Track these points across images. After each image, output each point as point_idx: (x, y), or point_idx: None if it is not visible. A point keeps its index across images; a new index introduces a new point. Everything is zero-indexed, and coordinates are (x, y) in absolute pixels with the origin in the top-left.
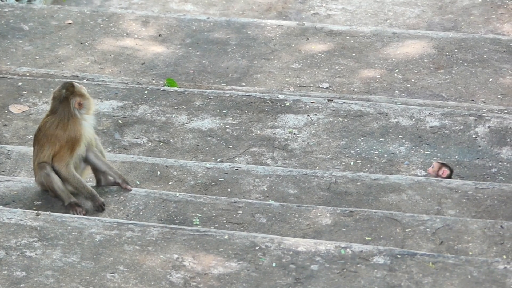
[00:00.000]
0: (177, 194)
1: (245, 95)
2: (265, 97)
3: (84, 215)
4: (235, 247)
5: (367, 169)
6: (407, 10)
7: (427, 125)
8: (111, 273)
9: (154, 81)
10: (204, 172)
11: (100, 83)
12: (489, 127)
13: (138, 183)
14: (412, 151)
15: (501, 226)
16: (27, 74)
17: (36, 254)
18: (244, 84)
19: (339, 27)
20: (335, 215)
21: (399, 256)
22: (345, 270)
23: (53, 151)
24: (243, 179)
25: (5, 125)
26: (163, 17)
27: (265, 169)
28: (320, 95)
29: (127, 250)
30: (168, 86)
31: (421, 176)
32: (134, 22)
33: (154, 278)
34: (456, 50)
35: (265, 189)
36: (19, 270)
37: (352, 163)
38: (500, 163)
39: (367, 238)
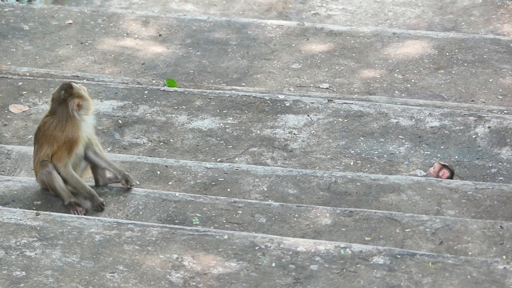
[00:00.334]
0: (177, 194)
1: (245, 95)
2: (265, 97)
3: (84, 214)
4: (234, 247)
5: (367, 169)
6: (407, 10)
7: (427, 126)
8: (110, 273)
9: (154, 81)
10: (204, 172)
11: (100, 83)
12: (489, 127)
13: (138, 183)
14: (412, 152)
15: (500, 226)
16: (27, 74)
17: (35, 254)
18: (244, 84)
19: (339, 27)
20: (334, 215)
21: (398, 256)
22: (344, 270)
23: (51, 151)
24: (243, 179)
25: (5, 125)
26: (163, 17)
27: (265, 169)
28: (320, 95)
29: (127, 250)
30: (168, 86)
31: (421, 176)
32: (134, 22)
33: (153, 278)
34: (456, 50)
35: (265, 189)
36: (19, 269)
37: (352, 163)
38: (500, 163)
39: (366, 238)
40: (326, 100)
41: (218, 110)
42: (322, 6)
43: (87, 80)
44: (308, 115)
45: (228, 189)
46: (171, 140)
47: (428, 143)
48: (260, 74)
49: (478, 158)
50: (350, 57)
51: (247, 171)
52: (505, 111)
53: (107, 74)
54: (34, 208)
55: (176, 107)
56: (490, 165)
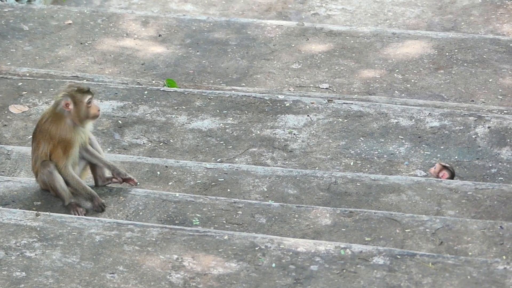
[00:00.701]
0: (177, 194)
1: (245, 95)
2: (265, 98)
3: (84, 215)
4: (234, 247)
5: (367, 170)
6: (407, 10)
7: (427, 126)
8: (110, 274)
9: (154, 82)
10: (204, 173)
11: (100, 83)
12: (489, 127)
13: (138, 183)
14: (412, 152)
15: (500, 226)
16: (27, 74)
17: (35, 255)
18: (244, 84)
19: (339, 28)
20: (334, 215)
21: (398, 257)
22: (344, 271)
23: (48, 149)
24: (243, 180)
25: (5, 125)
26: (163, 17)
27: (265, 169)
28: (320, 96)
29: (127, 251)
30: (168, 87)
31: (421, 176)
32: (134, 22)
33: (153, 279)
34: (456, 50)
35: (265, 189)
36: (19, 270)
37: (352, 163)
38: (500, 163)
39: (366, 239)
40: (326, 100)
41: (218, 111)
42: (322, 6)
43: (86, 80)
44: (308, 115)
45: (228, 190)
46: (171, 141)
47: (428, 143)
48: (260, 74)
49: (478, 158)
50: (350, 57)
51: (247, 171)
52: (505, 111)
53: (107, 75)
54: (34, 208)
55: (176, 108)
56: (490, 165)
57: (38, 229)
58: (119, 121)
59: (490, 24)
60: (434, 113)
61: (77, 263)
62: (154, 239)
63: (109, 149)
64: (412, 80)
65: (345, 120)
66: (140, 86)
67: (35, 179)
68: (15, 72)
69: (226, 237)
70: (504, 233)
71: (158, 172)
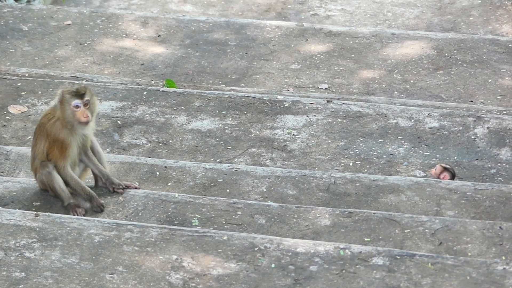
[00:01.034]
0: (176, 195)
1: (244, 96)
2: (264, 98)
3: (84, 215)
4: (234, 248)
5: (366, 170)
6: (406, 11)
7: (426, 126)
8: (110, 274)
9: (153, 82)
10: (203, 173)
11: (99, 83)
12: (488, 128)
13: (137, 184)
14: (411, 152)
15: (500, 227)
16: (26, 74)
17: (35, 255)
18: (243, 85)
19: (338, 28)
20: (334, 216)
21: (398, 257)
22: (344, 271)
23: (45, 147)
24: (242, 180)
25: (4, 125)
26: (162, 17)
27: (264, 170)
28: (319, 96)
29: (126, 251)
30: (167, 87)
31: (420, 177)
32: (133, 22)
33: (153, 279)
34: (455, 51)
35: (264, 190)
36: (18, 271)
37: (351, 164)
38: (499, 164)
39: (366, 239)
40: (325, 101)
41: (217, 111)
42: (321, 7)
43: (86, 80)
44: (307, 116)
45: (228, 190)
46: (170, 141)
47: (427, 144)
48: (259, 75)
49: (477, 159)
50: (349, 58)
51: (246, 172)
52: (504, 112)
53: (106, 75)
54: (33, 209)
55: (175, 108)
56: (489, 165)
57: (37, 229)
58: (118, 122)
59: (489, 24)
60: (433, 114)
61: (76, 264)
62: (153, 240)
63: (108, 150)
64: (412, 81)
65: (344, 121)
66: (139, 87)
67: (34, 179)
68: (14, 73)
69: (225, 238)
70: (504, 234)
71: (158, 173)
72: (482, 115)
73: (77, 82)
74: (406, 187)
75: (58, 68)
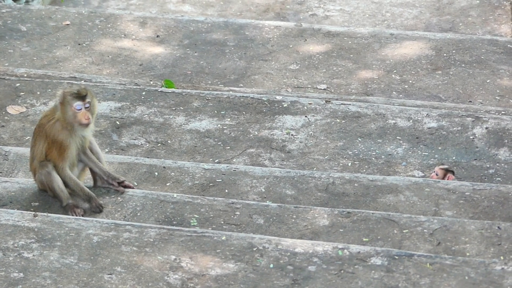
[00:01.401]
0: (175, 195)
1: (242, 96)
2: (263, 98)
3: (82, 216)
4: (232, 248)
5: (364, 170)
6: (405, 11)
7: (424, 126)
8: (108, 274)
9: (152, 82)
10: (202, 173)
11: (98, 84)
12: (486, 128)
13: (136, 184)
14: (410, 152)
15: (498, 227)
16: (25, 75)
17: (33, 255)
18: (241, 85)
19: (337, 28)
20: (332, 216)
21: (396, 257)
22: (342, 271)
23: (44, 148)
24: (240, 180)
25: (3, 126)
26: (161, 18)
27: (263, 170)
28: (318, 96)
29: (125, 251)
30: (166, 87)
31: (419, 177)
32: (132, 23)
33: (151, 279)
34: (453, 51)
35: (263, 190)
36: (17, 271)
37: (349, 164)
38: (497, 164)
39: (364, 239)
40: (324, 101)
41: (215, 111)
42: (320, 7)
43: (84, 81)
44: (305, 116)
45: (226, 190)
46: (169, 141)
47: (425, 144)
48: (257, 75)
49: (475, 159)
50: (348, 58)
51: (245, 172)
52: (502, 112)
53: (105, 75)
54: (32, 209)
55: (173, 108)
56: (488, 165)
57: (36, 230)
58: (117, 122)
59: (488, 25)
60: (432, 114)
61: (75, 264)
62: (152, 240)
63: (106, 150)
64: (410, 81)
65: (343, 121)
66: (138, 87)
67: (33, 179)
68: (13, 73)
69: (224, 238)
70: (502, 234)
71: (156, 173)
72: (481, 115)
73: (76, 82)
74: (405, 187)
75: (57, 68)
